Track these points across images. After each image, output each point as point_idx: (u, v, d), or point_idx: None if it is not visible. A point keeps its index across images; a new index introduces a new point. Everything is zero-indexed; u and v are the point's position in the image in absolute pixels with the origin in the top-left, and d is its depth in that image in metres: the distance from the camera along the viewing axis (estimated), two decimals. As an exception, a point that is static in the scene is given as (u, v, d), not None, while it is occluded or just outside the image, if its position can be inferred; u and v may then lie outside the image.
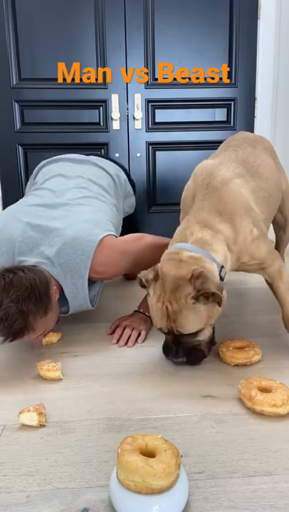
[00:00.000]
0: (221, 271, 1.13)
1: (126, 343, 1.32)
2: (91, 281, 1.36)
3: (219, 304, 1.07)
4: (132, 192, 1.84)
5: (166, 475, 0.66)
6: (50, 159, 1.75)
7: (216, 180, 1.22)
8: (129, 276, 2.07)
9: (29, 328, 1.14)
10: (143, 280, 1.13)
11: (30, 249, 1.29)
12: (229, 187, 1.21)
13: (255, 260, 1.22)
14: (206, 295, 1.05)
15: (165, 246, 1.31)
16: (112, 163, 1.78)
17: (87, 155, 1.80)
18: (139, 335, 1.35)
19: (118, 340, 1.34)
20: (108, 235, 1.32)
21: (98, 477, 0.77)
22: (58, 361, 1.15)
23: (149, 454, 0.71)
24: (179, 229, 1.23)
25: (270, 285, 1.30)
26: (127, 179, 1.80)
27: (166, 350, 1.15)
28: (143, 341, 1.33)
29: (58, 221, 1.33)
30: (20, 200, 1.51)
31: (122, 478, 0.67)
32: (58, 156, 1.74)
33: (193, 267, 1.08)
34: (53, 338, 1.36)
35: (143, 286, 1.15)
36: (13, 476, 0.77)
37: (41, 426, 0.92)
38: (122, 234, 1.59)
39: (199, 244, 1.14)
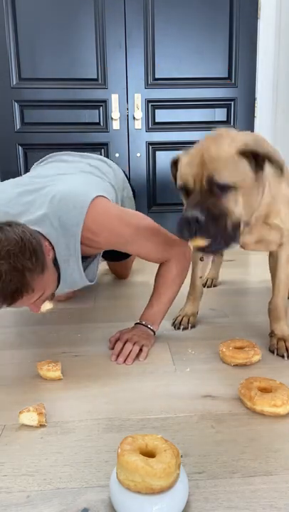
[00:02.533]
0: None
1: (125, 360, 1.21)
2: (85, 258, 1.28)
3: (281, 169, 0.95)
4: (132, 195, 1.78)
5: (166, 475, 0.66)
6: (45, 157, 1.70)
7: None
8: (120, 276, 2.06)
9: (27, 287, 1.02)
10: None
11: (20, 214, 1.19)
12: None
13: (278, 222, 1.14)
14: (258, 159, 0.95)
15: (170, 242, 1.28)
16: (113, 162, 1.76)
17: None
18: (140, 351, 1.24)
19: (118, 356, 1.23)
20: (103, 196, 1.24)
21: (98, 477, 0.77)
22: (58, 361, 1.15)
23: (149, 454, 0.71)
24: None
25: (272, 270, 1.29)
26: (126, 180, 1.76)
27: (185, 213, 0.97)
28: (145, 358, 1.22)
29: (48, 183, 1.25)
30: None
31: (122, 478, 0.67)
32: (53, 154, 1.69)
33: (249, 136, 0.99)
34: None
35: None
36: (13, 476, 0.77)
37: (41, 426, 0.91)
38: None
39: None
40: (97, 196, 1.21)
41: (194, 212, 0.94)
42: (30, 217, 1.17)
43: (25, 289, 1.02)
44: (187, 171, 1.00)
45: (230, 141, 0.98)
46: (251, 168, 0.99)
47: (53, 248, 1.18)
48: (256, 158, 0.99)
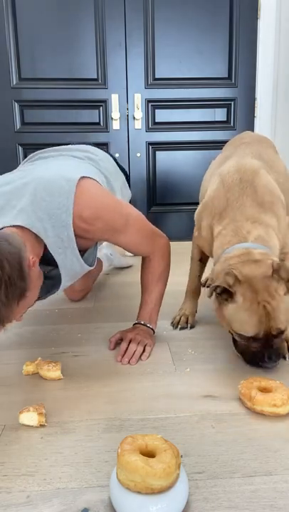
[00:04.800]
0: None
1: (130, 360, 1.21)
2: (83, 249, 1.19)
3: None
4: (127, 183, 1.68)
5: (166, 475, 0.66)
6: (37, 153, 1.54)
7: (247, 174, 1.24)
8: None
9: (5, 321, 0.94)
10: (223, 286, 1.07)
11: (1, 208, 1.07)
12: (261, 176, 1.24)
13: (286, 248, 1.25)
14: None
15: (155, 233, 1.31)
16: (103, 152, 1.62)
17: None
18: (143, 351, 1.24)
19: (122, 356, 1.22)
20: (90, 178, 1.14)
21: (98, 477, 0.77)
22: (58, 361, 1.15)
23: (149, 454, 0.71)
24: (228, 229, 1.20)
25: None
26: (118, 168, 1.64)
27: (256, 358, 1.10)
28: (147, 358, 1.23)
29: (28, 174, 1.14)
30: None
31: (122, 478, 0.67)
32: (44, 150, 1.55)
33: (269, 261, 1.09)
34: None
35: (221, 293, 1.09)
36: (13, 476, 0.77)
37: (41, 426, 0.91)
38: None
39: (260, 242, 1.16)
40: (83, 177, 1.11)
41: (270, 364, 1.10)
42: (13, 211, 1.06)
43: (2, 324, 0.94)
44: (254, 328, 1.07)
45: (275, 284, 1.07)
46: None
47: (43, 243, 1.08)
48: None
